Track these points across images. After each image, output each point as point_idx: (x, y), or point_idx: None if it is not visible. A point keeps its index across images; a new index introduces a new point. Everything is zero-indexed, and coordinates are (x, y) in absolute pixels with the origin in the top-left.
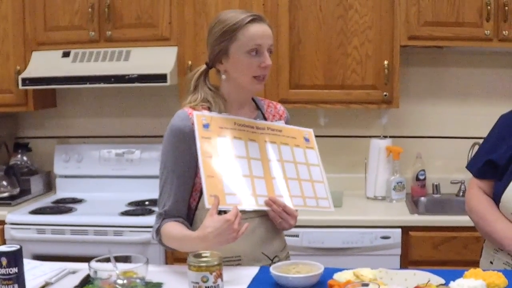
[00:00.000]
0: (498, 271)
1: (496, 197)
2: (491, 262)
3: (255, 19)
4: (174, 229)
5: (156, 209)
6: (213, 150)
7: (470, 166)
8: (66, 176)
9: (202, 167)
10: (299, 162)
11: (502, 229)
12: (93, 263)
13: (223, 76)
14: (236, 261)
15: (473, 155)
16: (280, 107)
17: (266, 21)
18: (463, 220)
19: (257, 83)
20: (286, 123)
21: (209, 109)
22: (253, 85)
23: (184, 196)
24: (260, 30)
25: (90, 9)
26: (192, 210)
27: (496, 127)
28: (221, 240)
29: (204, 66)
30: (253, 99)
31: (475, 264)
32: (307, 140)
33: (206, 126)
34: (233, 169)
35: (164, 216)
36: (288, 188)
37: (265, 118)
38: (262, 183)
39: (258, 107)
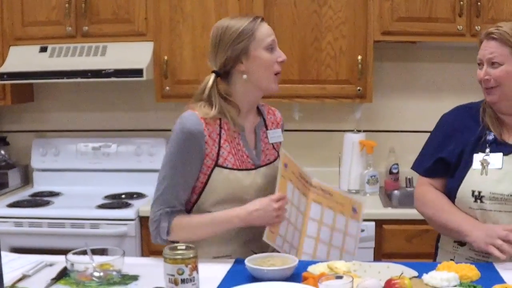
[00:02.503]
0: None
1: (450, 193)
2: (452, 260)
3: (262, 19)
4: (193, 217)
5: (132, 202)
6: (285, 191)
7: (416, 167)
8: (43, 170)
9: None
10: (337, 229)
11: (463, 218)
12: (70, 256)
13: (244, 76)
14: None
15: (417, 156)
16: (278, 114)
17: None
18: None
19: (275, 82)
20: (282, 130)
21: (220, 121)
22: (272, 84)
23: (187, 197)
24: (268, 28)
25: (67, 5)
26: (187, 211)
27: (439, 126)
28: (263, 218)
29: (213, 75)
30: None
31: None
32: (354, 210)
33: (285, 165)
34: (288, 214)
35: (170, 215)
36: (316, 249)
37: (266, 126)
38: (297, 236)
39: (260, 113)
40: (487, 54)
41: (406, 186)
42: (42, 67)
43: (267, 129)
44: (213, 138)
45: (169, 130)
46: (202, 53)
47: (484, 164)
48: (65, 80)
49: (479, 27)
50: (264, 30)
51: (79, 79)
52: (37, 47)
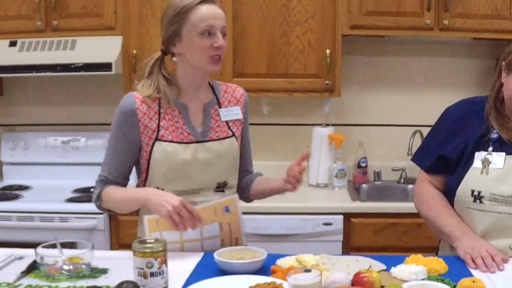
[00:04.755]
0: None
1: (450, 191)
2: (451, 248)
3: (205, 0)
4: (117, 191)
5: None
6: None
7: (418, 161)
8: (12, 164)
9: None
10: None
11: (457, 224)
12: (39, 249)
13: (174, 59)
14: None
15: (419, 147)
16: (239, 91)
17: (217, 3)
18: (404, 206)
19: (213, 63)
20: (245, 106)
21: (159, 100)
22: (209, 66)
23: (124, 170)
24: (210, 11)
25: None
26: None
27: (443, 120)
28: (155, 203)
29: (159, 53)
30: (210, 84)
31: (415, 250)
32: (227, 209)
33: (227, 209)
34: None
35: (106, 182)
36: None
37: (219, 104)
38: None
39: (214, 92)
40: None
41: (374, 180)
42: (11, 61)
43: (220, 107)
44: (150, 116)
45: None
46: None
47: (485, 163)
48: (34, 74)
49: (447, 21)
50: (202, 13)
51: (48, 73)
52: (7, 42)
